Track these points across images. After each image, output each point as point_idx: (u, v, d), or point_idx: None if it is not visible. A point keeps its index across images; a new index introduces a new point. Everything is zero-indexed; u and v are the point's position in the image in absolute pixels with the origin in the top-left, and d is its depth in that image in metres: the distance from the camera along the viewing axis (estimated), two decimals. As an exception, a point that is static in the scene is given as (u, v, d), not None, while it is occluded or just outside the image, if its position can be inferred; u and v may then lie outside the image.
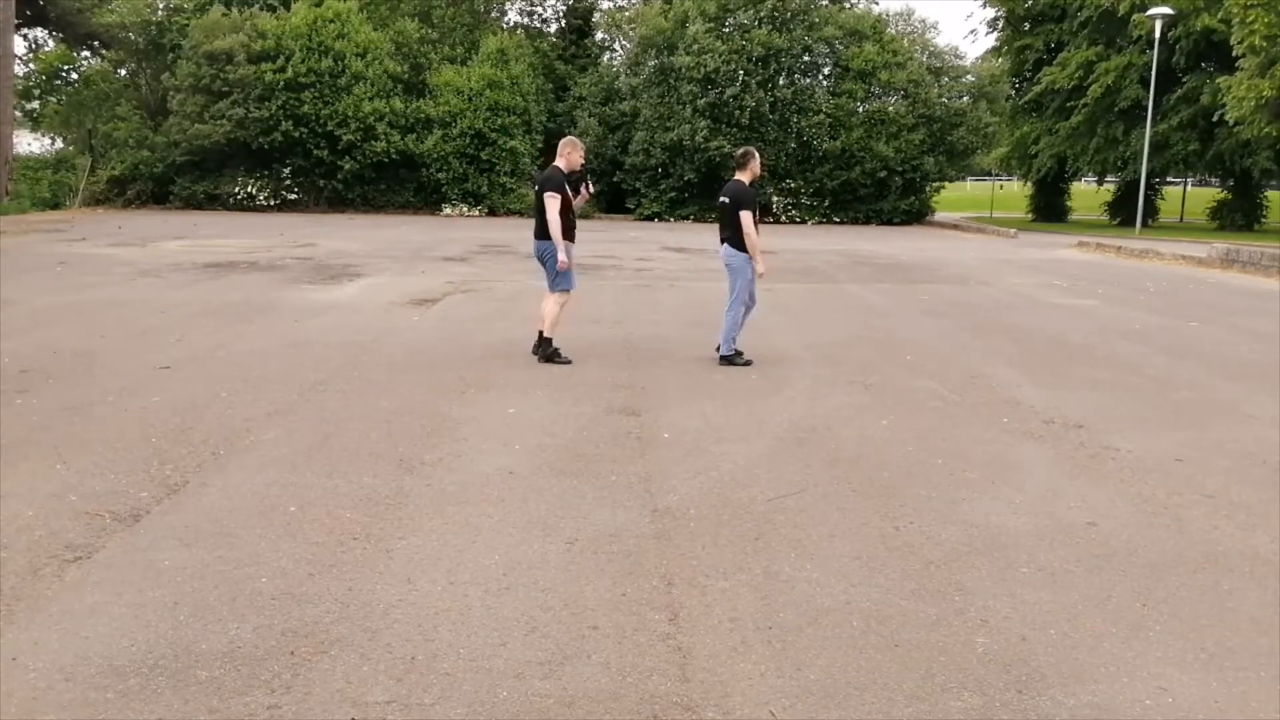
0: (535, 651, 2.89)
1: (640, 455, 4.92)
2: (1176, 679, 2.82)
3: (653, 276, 13.32)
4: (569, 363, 7.20)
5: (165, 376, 6.46)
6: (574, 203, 7.30)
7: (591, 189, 7.54)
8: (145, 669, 2.74)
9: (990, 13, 33.85)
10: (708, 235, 23.21)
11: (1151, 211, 31.01)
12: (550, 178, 7.19)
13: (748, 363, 7.32)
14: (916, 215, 31.06)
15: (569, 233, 7.23)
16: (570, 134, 29.90)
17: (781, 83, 29.96)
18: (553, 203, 7.04)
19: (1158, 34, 25.06)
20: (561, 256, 7.12)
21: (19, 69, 30.00)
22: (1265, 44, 20.87)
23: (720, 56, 28.44)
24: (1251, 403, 6.43)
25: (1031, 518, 4.12)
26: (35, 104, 31.60)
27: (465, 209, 30.09)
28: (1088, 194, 38.15)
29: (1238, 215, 29.48)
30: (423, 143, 28.71)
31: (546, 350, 7.29)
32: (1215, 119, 25.57)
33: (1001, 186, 50.87)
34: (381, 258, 15.30)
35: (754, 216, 7.19)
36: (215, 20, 27.62)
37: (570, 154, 7.30)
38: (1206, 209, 31.64)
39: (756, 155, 7.37)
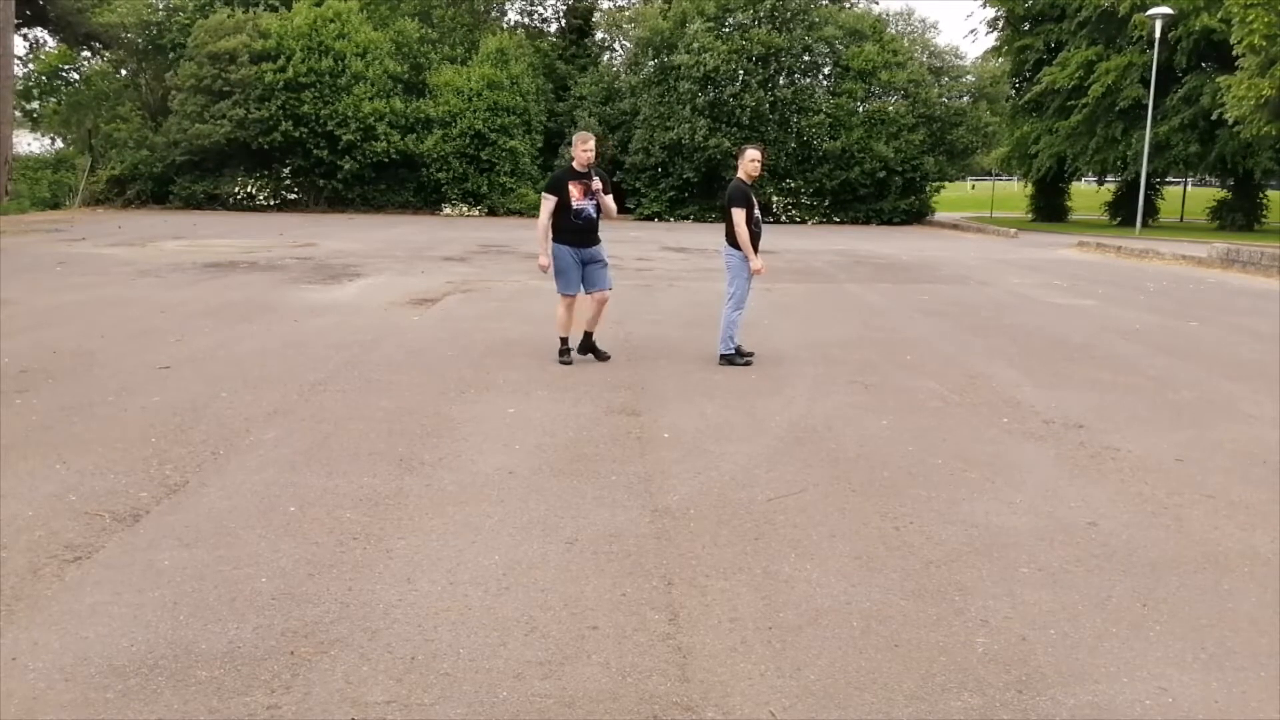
0: (535, 651, 2.89)
1: (640, 455, 4.92)
2: (1176, 679, 2.82)
3: (653, 276, 13.31)
4: (569, 364, 7.18)
5: (165, 376, 6.46)
6: (602, 201, 7.11)
7: (596, 184, 7.07)
8: (145, 669, 2.74)
9: (990, 13, 33.88)
10: (708, 235, 23.23)
11: (1151, 211, 31.04)
12: (550, 179, 7.20)
13: (747, 362, 7.32)
14: (916, 215, 31.09)
15: (566, 235, 7.06)
16: (570, 132, 30.08)
17: (781, 82, 29.99)
18: (544, 204, 7.04)
19: (1158, 34, 25.06)
20: (541, 259, 7.11)
21: (19, 69, 30.00)
22: (1265, 43, 20.88)
23: (719, 55, 28.44)
24: (1251, 403, 6.43)
25: (1031, 518, 4.12)
26: (35, 104, 31.61)
27: (465, 209, 30.12)
28: (1088, 194, 38.18)
29: (1238, 215, 29.50)
30: (423, 143, 28.74)
31: (564, 349, 7.31)
32: (1215, 118, 25.57)
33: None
34: (381, 258, 15.30)
35: (745, 214, 7.15)
36: (220, 21, 27.65)
37: (576, 150, 7.06)
38: (1206, 209, 31.66)
39: (746, 151, 7.28)
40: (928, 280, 13.95)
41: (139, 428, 5.19)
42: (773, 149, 29.57)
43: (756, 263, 7.26)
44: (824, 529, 3.94)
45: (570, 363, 7.19)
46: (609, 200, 7.23)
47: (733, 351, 7.33)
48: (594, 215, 7.14)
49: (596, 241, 7.27)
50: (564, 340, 7.31)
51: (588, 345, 7.46)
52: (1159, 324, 9.94)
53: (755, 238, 7.27)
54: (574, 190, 6.99)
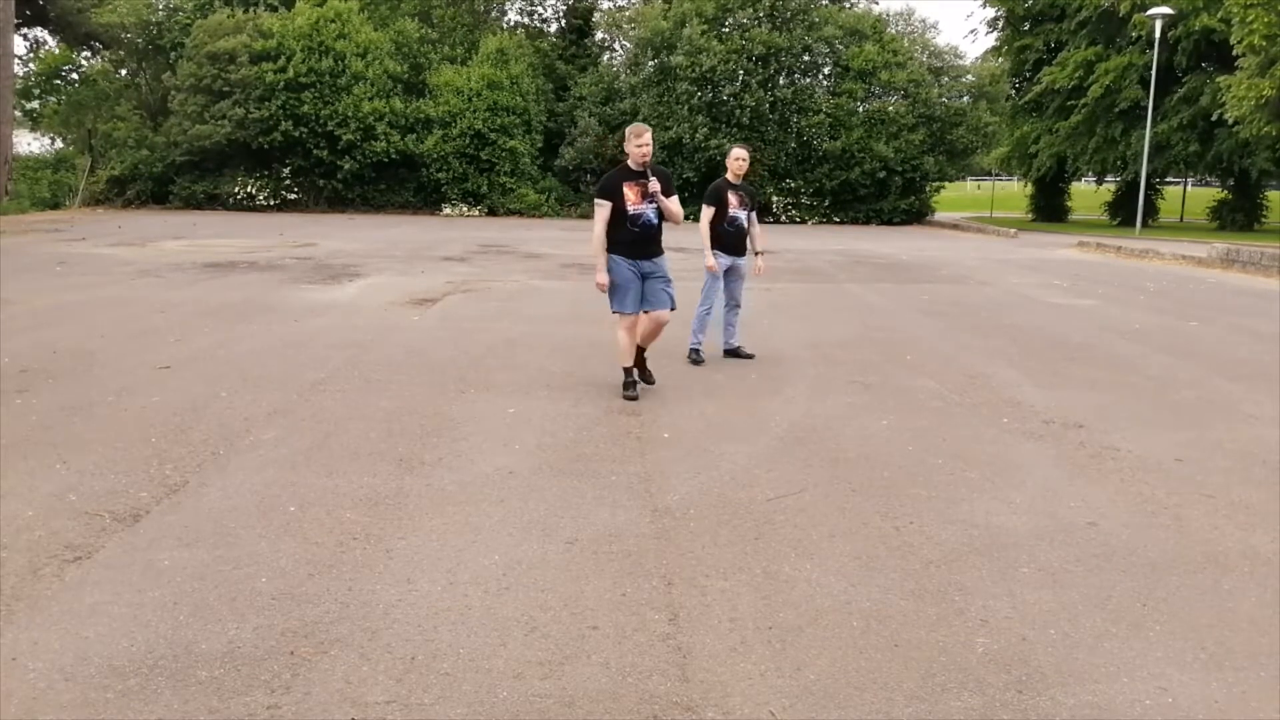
0: (535, 651, 2.89)
1: (640, 455, 4.92)
2: (1176, 679, 2.82)
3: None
4: (635, 398, 6.09)
5: (165, 376, 6.46)
6: (663, 204, 6.07)
7: (654, 185, 6.01)
8: (145, 669, 2.74)
9: (990, 12, 33.94)
10: (708, 235, 23.21)
11: (1151, 211, 31.05)
12: (601, 183, 6.13)
13: (699, 361, 7.41)
14: (916, 215, 31.10)
15: (622, 247, 6.06)
16: (572, 135, 30.10)
17: (781, 82, 29.99)
18: (597, 212, 6.04)
19: (1158, 34, 25.07)
20: (599, 276, 6.10)
21: (19, 68, 30.01)
22: (1265, 43, 20.89)
23: (716, 55, 28.45)
24: (1251, 403, 6.43)
25: (1031, 517, 4.12)
26: (35, 104, 31.62)
27: (465, 209, 30.13)
28: (1087, 194, 38.20)
29: (1238, 215, 29.51)
30: (422, 143, 28.74)
31: (628, 380, 6.20)
32: (1214, 119, 25.59)
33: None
34: (381, 257, 15.30)
35: (715, 212, 7.33)
36: (219, 21, 27.67)
37: (629, 146, 6.01)
38: (1206, 209, 31.67)
39: (732, 150, 7.44)
40: (928, 280, 13.95)
41: (139, 428, 5.19)
42: (773, 149, 29.59)
43: (708, 259, 7.28)
44: (824, 529, 3.94)
45: (636, 397, 6.09)
46: (671, 203, 6.12)
47: (696, 346, 7.46)
48: (654, 222, 6.13)
49: (658, 253, 6.25)
50: (628, 371, 6.21)
51: (638, 363, 6.38)
52: (1159, 324, 9.94)
53: (728, 238, 7.36)
54: (629, 193, 5.99)
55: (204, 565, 3.44)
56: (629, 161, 6.05)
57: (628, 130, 6.08)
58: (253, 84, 27.35)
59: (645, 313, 6.23)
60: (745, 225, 7.42)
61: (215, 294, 10.59)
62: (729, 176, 7.34)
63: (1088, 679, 2.80)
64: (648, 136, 5.96)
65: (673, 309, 6.29)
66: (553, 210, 29.77)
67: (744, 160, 7.33)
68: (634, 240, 6.07)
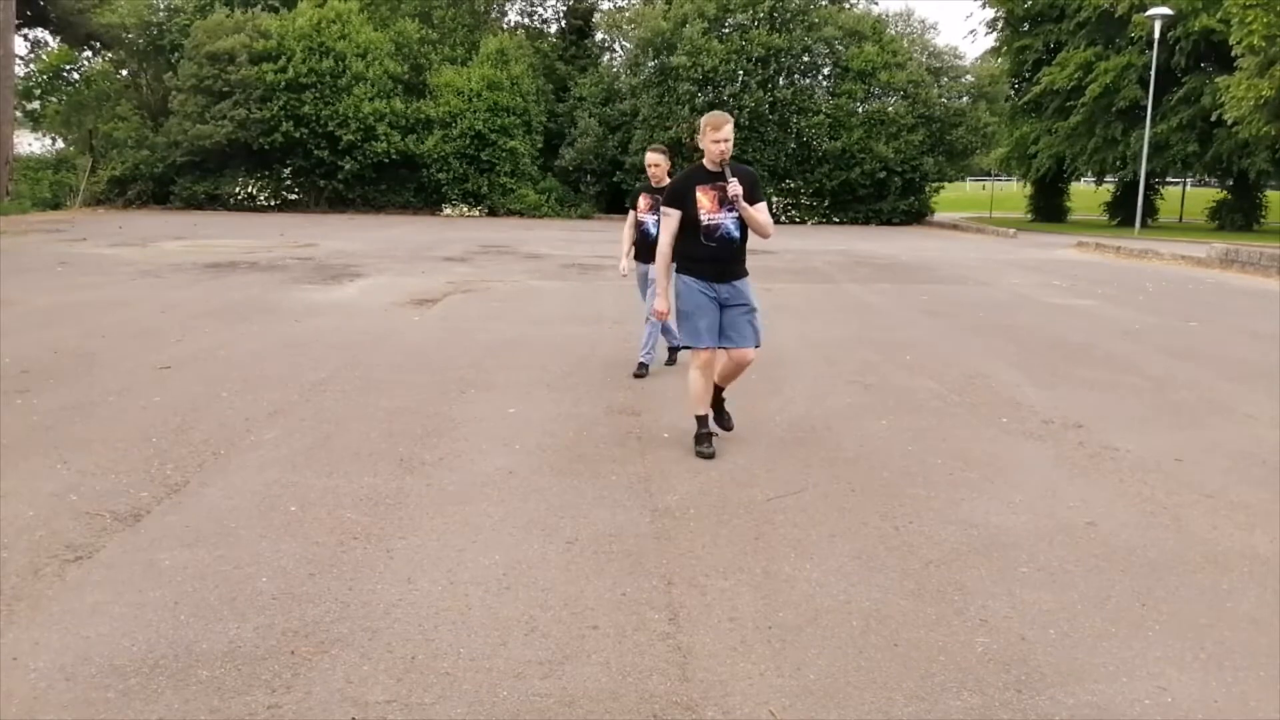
0: (535, 651, 2.89)
1: (640, 455, 4.93)
2: (1176, 679, 2.82)
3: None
4: (712, 454, 4.87)
5: (166, 376, 6.46)
6: (744, 211, 4.75)
7: (735, 188, 4.66)
8: (146, 668, 2.74)
9: (989, 13, 33.97)
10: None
11: (1151, 211, 31.08)
12: (671, 186, 4.97)
13: (639, 374, 6.75)
14: (916, 215, 31.11)
15: (695, 265, 4.84)
16: (572, 135, 30.09)
17: (781, 83, 30.00)
18: (664, 223, 4.88)
19: (1157, 34, 25.08)
20: (658, 302, 5.09)
21: (20, 69, 30.03)
22: (1264, 44, 20.90)
23: (717, 56, 28.47)
24: (1251, 403, 6.43)
25: (1031, 517, 4.12)
26: (36, 104, 31.63)
27: (465, 209, 30.14)
28: (1087, 194, 38.21)
29: (1237, 215, 29.53)
30: (423, 143, 28.75)
31: (701, 431, 4.99)
32: (1214, 119, 25.61)
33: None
34: (382, 258, 15.31)
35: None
36: (218, 21, 27.68)
37: (704, 141, 4.74)
38: (1205, 209, 31.69)
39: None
40: (927, 280, 13.96)
41: (140, 427, 5.19)
42: (772, 149, 29.62)
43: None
44: (824, 529, 3.94)
45: (712, 453, 4.86)
46: (758, 212, 4.80)
47: (642, 363, 6.76)
48: (735, 235, 4.81)
49: (741, 274, 4.91)
50: (701, 420, 4.98)
51: (715, 405, 5.18)
52: (1158, 324, 9.94)
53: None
54: (703, 199, 4.75)
55: (205, 565, 3.45)
56: (704, 160, 4.81)
57: (703, 121, 4.77)
58: (253, 84, 27.36)
59: (725, 350, 4.96)
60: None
61: (216, 294, 10.60)
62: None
63: (1087, 679, 2.80)
64: (728, 129, 4.66)
65: (757, 345, 4.97)
66: (553, 211, 29.80)
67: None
68: (709, 258, 4.80)
